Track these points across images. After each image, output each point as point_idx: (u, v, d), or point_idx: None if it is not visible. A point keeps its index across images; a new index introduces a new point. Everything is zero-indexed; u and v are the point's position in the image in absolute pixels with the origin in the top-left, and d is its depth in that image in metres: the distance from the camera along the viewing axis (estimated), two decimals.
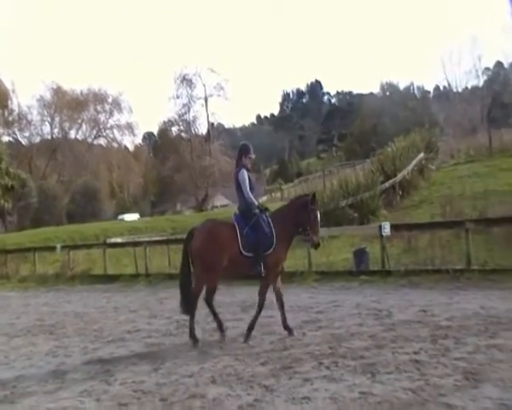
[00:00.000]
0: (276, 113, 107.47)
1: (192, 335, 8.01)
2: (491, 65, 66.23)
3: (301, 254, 13.44)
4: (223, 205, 49.03)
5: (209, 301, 8.13)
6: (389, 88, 66.40)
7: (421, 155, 25.75)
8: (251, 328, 8.00)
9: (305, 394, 5.59)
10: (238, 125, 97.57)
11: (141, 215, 44.59)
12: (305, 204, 8.15)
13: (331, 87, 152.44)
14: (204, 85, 55.29)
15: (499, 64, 66.10)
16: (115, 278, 16.88)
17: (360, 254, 13.40)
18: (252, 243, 7.92)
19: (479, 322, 7.72)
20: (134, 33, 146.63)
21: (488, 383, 5.34)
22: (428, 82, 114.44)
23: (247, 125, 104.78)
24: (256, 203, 8.20)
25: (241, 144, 8.59)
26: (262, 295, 8.09)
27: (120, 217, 41.04)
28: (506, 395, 4.97)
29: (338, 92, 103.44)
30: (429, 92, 76.33)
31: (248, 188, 8.14)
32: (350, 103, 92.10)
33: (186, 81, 55.14)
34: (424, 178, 25.48)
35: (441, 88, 68.34)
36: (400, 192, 22.82)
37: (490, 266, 11.51)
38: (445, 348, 6.62)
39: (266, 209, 8.31)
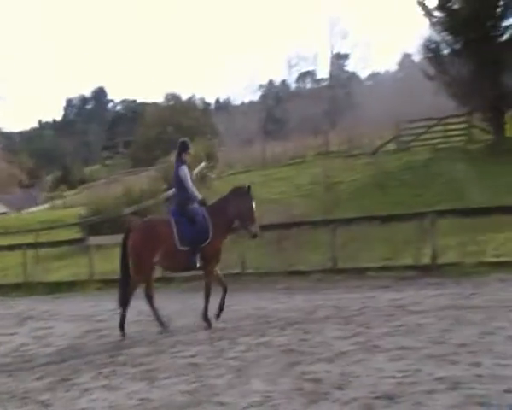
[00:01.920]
0: (59, 118, 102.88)
1: (121, 326, 8.28)
2: (265, 82, 71.55)
3: (83, 263, 13.13)
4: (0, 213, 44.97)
5: (149, 298, 8.47)
6: (172, 98, 67.57)
7: (203, 163, 26.68)
8: (205, 317, 8.34)
9: (83, 405, 5.53)
10: (18, 129, 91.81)
11: None
12: (240, 195, 8.48)
13: (116, 94, 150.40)
14: None
15: (271, 82, 71.69)
16: None
17: None
18: (188, 236, 8.19)
19: (251, 322, 8.31)
20: None
21: (257, 378, 5.77)
22: (210, 95, 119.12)
23: (28, 129, 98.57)
24: (199, 197, 8.50)
25: (180, 141, 8.83)
26: (207, 286, 8.47)
27: None
28: (271, 388, 5.44)
29: (123, 100, 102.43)
30: (210, 104, 79.56)
31: (190, 182, 8.44)
32: (135, 111, 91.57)
33: None
34: (206, 186, 26.43)
35: (221, 101, 71.84)
36: None
37: (262, 269, 12.40)
38: (221, 349, 7.02)
39: (205, 203, 8.53)
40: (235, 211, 8.49)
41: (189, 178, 8.51)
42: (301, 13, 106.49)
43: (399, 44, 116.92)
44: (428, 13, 27.76)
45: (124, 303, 8.44)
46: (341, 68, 67.22)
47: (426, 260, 11.38)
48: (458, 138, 27.93)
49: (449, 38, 27.71)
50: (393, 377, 5.35)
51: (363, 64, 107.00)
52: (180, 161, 8.62)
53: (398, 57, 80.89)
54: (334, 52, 64.90)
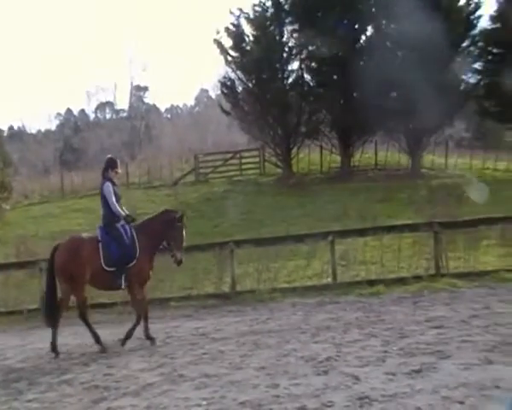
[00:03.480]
0: None
1: (53, 347, 8.09)
2: (62, 111, 69.08)
3: None
4: None
5: (82, 316, 8.27)
6: None
7: None
8: (128, 336, 8.22)
9: None
10: None
11: None
12: (171, 220, 8.37)
13: None
14: None
15: (69, 111, 69.37)
16: None
17: None
18: (113, 257, 8.02)
19: (51, 361, 7.94)
20: None
21: None
22: (2, 122, 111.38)
23: None
24: (123, 214, 8.27)
25: (107, 158, 8.62)
26: (136, 305, 8.38)
27: None
28: None
29: None
30: (2, 131, 74.38)
31: (114, 200, 8.18)
32: None
33: None
34: None
35: (16, 128, 67.63)
36: None
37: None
38: (18, 391, 6.58)
39: (133, 220, 8.34)
40: (164, 234, 8.40)
41: (112, 194, 8.23)
42: (101, 42, 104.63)
43: (197, 80, 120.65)
44: (224, 51, 29.24)
45: (52, 324, 8.21)
46: (141, 100, 67.43)
47: (226, 288, 11.86)
48: (252, 171, 29.53)
49: (242, 76, 29.42)
50: (199, 405, 5.50)
51: (161, 97, 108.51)
52: (107, 178, 8.36)
53: (195, 92, 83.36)
54: (134, 84, 65.09)
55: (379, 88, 24.82)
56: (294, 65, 29.22)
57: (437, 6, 24.51)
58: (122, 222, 8.33)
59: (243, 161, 29.98)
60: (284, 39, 28.78)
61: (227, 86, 30.14)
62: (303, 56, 28.76)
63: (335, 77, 27.98)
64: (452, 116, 28.65)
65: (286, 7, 28.45)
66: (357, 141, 28.84)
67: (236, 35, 28.89)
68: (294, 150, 29.16)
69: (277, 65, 28.68)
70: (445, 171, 27.58)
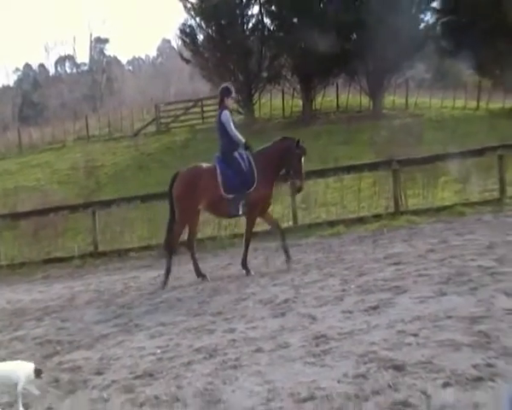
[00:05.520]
0: None
1: (167, 272, 8.33)
2: (21, 66, 66.77)
3: None
4: None
5: (189, 243, 8.62)
6: None
7: None
8: (244, 263, 8.28)
9: None
10: None
11: None
12: (289, 147, 8.18)
13: None
14: None
15: (28, 66, 67.11)
16: None
17: None
18: (232, 184, 8.03)
19: (4, 317, 7.73)
20: None
21: None
22: None
23: None
24: (243, 141, 8.24)
25: (221, 87, 8.68)
26: (248, 232, 8.45)
27: None
28: None
29: None
30: None
31: (233, 126, 8.17)
32: None
33: None
34: None
35: None
36: None
37: (18, 260, 11.64)
38: None
39: (249, 147, 8.26)
40: (282, 160, 8.27)
41: (231, 122, 8.25)
42: None
43: (159, 31, 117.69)
44: None
45: (167, 248, 8.52)
46: (102, 53, 65.57)
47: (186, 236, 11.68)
48: (214, 119, 29.03)
49: (202, 22, 28.69)
50: (154, 354, 5.38)
51: (123, 49, 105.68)
52: (223, 107, 8.37)
53: (157, 43, 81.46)
54: (94, 36, 63.15)
55: (339, 30, 24.55)
56: (254, 9, 28.69)
57: None
58: (240, 150, 8.30)
59: (205, 108, 29.46)
60: None
61: (187, 34, 29.46)
62: (262, 0, 28.14)
63: (295, 20, 27.47)
64: (412, 56, 28.50)
65: None
66: (318, 85, 28.59)
67: None
68: (256, 96, 28.81)
69: (237, 10, 28.05)
70: (406, 111, 27.56)
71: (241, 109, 28.79)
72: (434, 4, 28.44)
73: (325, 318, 5.68)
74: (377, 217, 10.93)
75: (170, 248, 8.56)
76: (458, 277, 6.27)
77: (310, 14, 25.66)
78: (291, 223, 11.45)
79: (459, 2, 25.87)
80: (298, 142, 8.29)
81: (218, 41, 28.12)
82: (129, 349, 5.65)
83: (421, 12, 28.31)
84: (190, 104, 30.08)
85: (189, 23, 29.26)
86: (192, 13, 28.81)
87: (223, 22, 27.91)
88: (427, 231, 9.51)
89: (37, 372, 4.62)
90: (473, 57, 27.30)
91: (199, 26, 29.04)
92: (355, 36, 27.23)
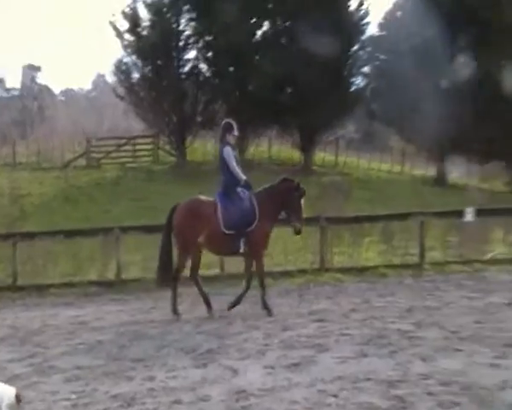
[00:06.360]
0: None
1: (173, 309, 8.21)
2: None
3: None
4: None
5: (192, 277, 8.41)
6: None
7: None
8: (265, 304, 8.13)
9: None
10: None
11: None
12: (290, 188, 8.19)
13: None
14: None
15: None
16: None
17: None
18: (233, 220, 7.94)
19: None
20: None
21: None
22: None
23: None
24: (244, 178, 8.22)
25: (224, 122, 8.59)
26: (260, 271, 8.30)
27: None
28: None
29: None
30: None
31: (235, 163, 8.13)
32: None
33: None
34: None
35: None
36: None
37: None
38: None
39: (249, 184, 8.24)
40: (283, 201, 8.24)
41: (232, 158, 8.19)
42: None
43: (95, 65, 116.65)
44: (120, 35, 28.40)
45: (164, 284, 8.54)
46: (33, 80, 64.21)
47: (111, 275, 11.44)
48: (146, 159, 28.93)
49: (138, 61, 28.72)
50: (68, 399, 5.19)
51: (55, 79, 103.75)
52: (225, 142, 8.31)
53: (92, 77, 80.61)
54: (27, 63, 61.93)
55: (274, 83, 25.22)
56: (191, 54, 28.97)
57: (330, 9, 25.35)
58: (241, 187, 8.26)
59: (137, 147, 29.23)
60: (181, 27, 28.41)
61: (122, 71, 29.32)
62: (199, 46, 28.51)
63: (231, 69, 27.99)
64: (343, 116, 29.60)
65: None
66: (251, 134, 28.97)
67: (133, 18, 28.12)
68: (189, 140, 28.87)
69: (173, 53, 28.26)
70: (335, 169, 28.39)
71: (173, 151, 28.77)
72: (365, 69, 29.86)
73: (247, 371, 5.68)
74: (303, 271, 11.08)
75: (174, 283, 8.34)
76: (378, 339, 6.45)
77: (246, 63, 26.27)
78: (218, 270, 11.39)
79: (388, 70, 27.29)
80: (298, 184, 8.38)
81: (154, 81, 28.17)
82: (42, 393, 5.43)
83: (352, 76, 29.56)
84: (122, 142, 29.72)
85: (124, 60, 29.18)
86: (128, 50, 28.78)
87: (159, 63, 28.04)
88: (350, 290, 9.72)
89: (18, 398, 4.38)
90: (398, 123, 28.75)
91: (135, 64, 29.03)
92: (289, 90, 28.01)
